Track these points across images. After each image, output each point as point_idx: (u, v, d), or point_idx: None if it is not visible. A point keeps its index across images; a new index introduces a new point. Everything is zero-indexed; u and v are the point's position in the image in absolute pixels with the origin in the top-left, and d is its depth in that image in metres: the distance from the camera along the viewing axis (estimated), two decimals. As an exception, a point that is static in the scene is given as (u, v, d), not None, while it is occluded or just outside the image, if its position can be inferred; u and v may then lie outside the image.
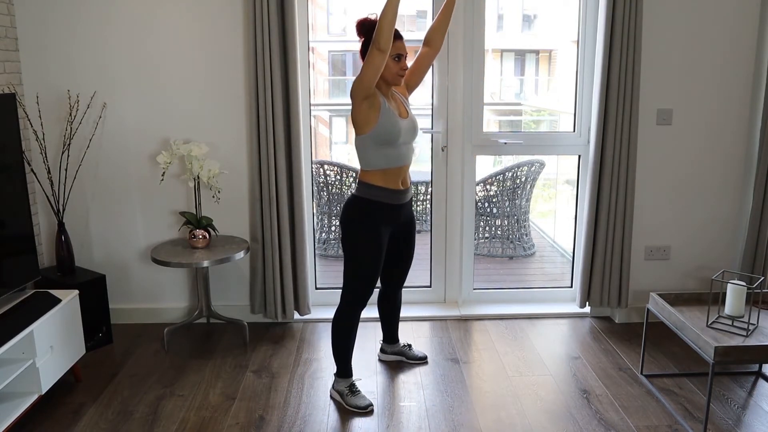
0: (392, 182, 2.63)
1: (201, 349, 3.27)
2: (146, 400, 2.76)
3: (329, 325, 3.49)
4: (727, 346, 2.38)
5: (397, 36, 2.53)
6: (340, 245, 2.72)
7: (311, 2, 3.41)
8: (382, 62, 2.40)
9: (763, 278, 2.69)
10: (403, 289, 3.06)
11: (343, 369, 2.76)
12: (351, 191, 2.67)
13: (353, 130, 2.60)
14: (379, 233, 2.62)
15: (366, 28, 2.58)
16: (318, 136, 6.33)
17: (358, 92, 2.46)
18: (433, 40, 2.79)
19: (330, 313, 3.60)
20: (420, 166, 4.25)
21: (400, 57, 2.56)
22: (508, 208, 4.98)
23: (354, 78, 2.48)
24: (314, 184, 4.16)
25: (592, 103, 3.34)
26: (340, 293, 2.70)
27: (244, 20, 3.23)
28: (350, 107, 2.52)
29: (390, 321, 3.08)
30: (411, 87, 2.82)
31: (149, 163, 3.38)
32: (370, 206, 2.60)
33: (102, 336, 3.28)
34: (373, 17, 2.58)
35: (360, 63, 2.53)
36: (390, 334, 3.11)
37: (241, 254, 3.18)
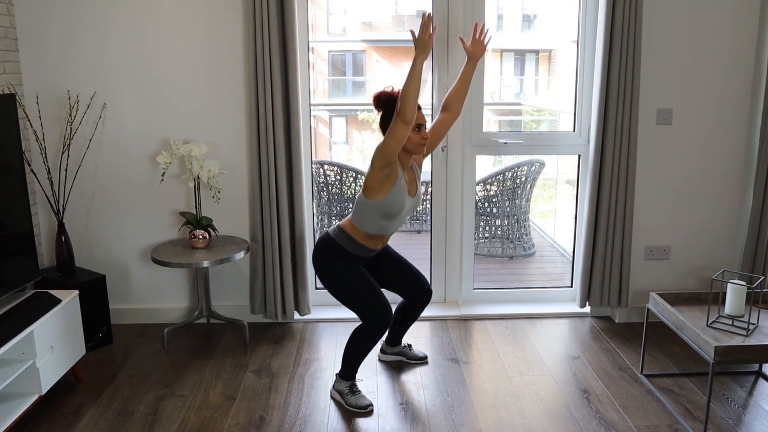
0: (373, 244, 2.73)
1: (201, 349, 3.27)
2: (146, 401, 2.76)
3: (329, 326, 3.50)
4: (727, 345, 2.38)
5: (417, 107, 2.54)
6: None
7: (311, 2, 3.41)
8: (407, 134, 2.44)
9: (763, 278, 2.69)
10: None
11: (350, 373, 2.76)
12: (326, 229, 2.77)
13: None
14: (354, 264, 2.71)
15: (383, 102, 2.62)
16: (318, 136, 6.33)
17: (379, 161, 2.51)
18: (452, 106, 2.84)
19: (330, 313, 3.62)
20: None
21: (420, 127, 2.60)
22: (508, 208, 4.98)
23: (377, 146, 2.52)
24: (314, 184, 4.16)
25: (592, 103, 3.34)
26: (361, 320, 2.71)
27: (244, 20, 3.23)
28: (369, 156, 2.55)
29: (400, 328, 3.08)
30: (428, 151, 2.85)
31: (149, 164, 3.38)
32: (344, 253, 2.69)
33: (102, 336, 3.28)
34: (389, 90, 2.64)
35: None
36: (394, 338, 3.11)
37: (241, 254, 3.18)
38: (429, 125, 2.81)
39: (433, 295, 3.70)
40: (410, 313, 3.01)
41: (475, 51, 2.84)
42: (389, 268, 2.89)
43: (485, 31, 2.86)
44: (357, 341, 2.70)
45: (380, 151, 2.49)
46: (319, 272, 2.74)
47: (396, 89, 2.62)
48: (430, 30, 2.41)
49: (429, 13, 2.43)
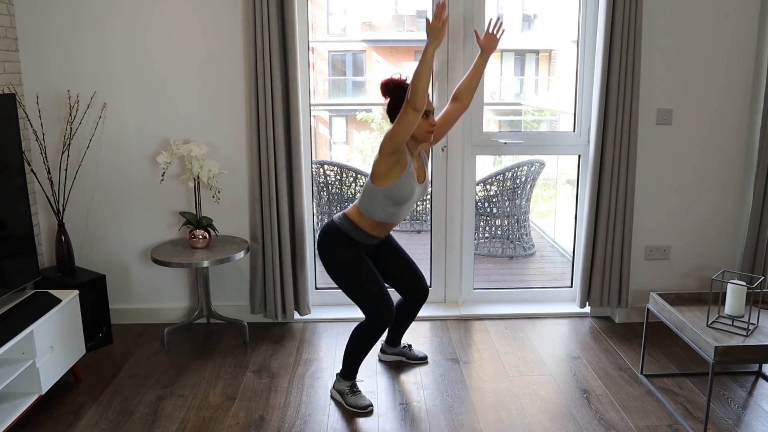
0: (379, 232, 2.73)
1: (201, 349, 3.27)
2: (146, 400, 2.76)
3: (329, 325, 3.50)
4: (727, 345, 2.38)
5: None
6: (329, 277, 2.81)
7: (311, 2, 3.41)
8: (416, 121, 2.44)
9: (763, 278, 2.69)
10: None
11: (351, 372, 2.76)
12: (331, 218, 2.77)
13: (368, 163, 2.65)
14: (359, 252, 2.70)
15: (391, 89, 2.63)
16: (318, 136, 6.33)
17: (387, 147, 2.51)
18: (462, 97, 2.84)
19: (330, 313, 3.62)
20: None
21: (428, 114, 2.61)
22: (508, 208, 4.98)
23: (386, 133, 2.52)
24: (314, 184, 4.16)
25: (592, 103, 3.34)
26: (364, 312, 2.70)
27: (244, 20, 3.23)
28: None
29: (399, 328, 3.07)
30: (436, 140, 2.85)
31: (149, 164, 3.38)
32: (349, 240, 2.68)
33: (102, 336, 3.28)
34: (397, 77, 2.65)
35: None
36: (394, 339, 3.11)
37: (241, 254, 3.18)
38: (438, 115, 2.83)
39: (432, 295, 3.75)
40: (408, 313, 3.01)
41: (488, 44, 2.87)
42: (390, 261, 2.88)
43: (500, 25, 2.89)
44: (358, 339, 2.70)
45: (389, 138, 2.48)
46: (324, 259, 2.72)
47: (404, 77, 2.64)
48: (443, 17, 2.42)
49: (443, 2, 2.43)
